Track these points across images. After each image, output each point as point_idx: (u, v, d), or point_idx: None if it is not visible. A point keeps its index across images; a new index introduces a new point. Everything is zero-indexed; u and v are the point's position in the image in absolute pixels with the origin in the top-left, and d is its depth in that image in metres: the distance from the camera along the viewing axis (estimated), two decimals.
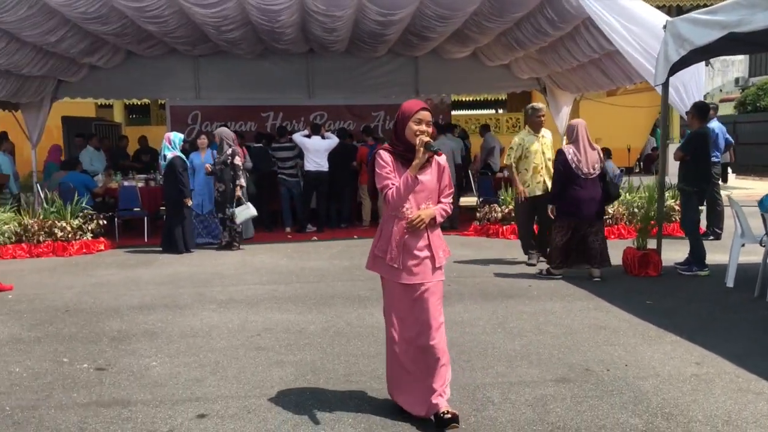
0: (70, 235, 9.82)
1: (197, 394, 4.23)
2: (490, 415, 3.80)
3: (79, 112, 17.82)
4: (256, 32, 11.72)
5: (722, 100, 33.96)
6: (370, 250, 3.82)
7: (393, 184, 3.61)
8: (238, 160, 9.88)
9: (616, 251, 8.08)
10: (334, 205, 12.44)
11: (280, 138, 12.24)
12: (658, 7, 10.17)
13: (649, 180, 11.62)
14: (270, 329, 5.66)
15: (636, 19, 8.29)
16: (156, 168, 12.64)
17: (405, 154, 3.64)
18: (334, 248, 9.96)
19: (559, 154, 7.36)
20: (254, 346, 5.21)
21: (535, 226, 8.55)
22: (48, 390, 4.35)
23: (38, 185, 12.28)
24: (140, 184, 11.65)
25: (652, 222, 7.93)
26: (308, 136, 11.59)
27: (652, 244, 7.79)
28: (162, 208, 10.96)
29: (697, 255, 7.61)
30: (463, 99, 26.08)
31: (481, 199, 12.43)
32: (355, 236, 11.04)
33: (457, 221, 11.79)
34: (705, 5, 12.80)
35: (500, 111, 28.70)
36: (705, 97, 8.84)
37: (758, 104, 27.24)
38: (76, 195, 10.30)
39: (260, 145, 12.17)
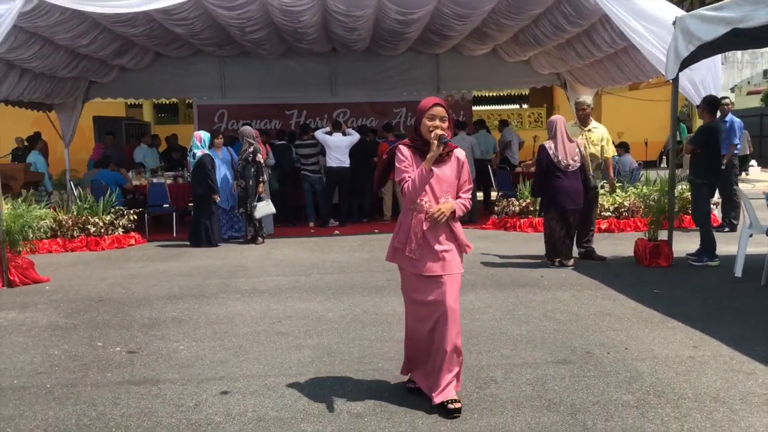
0: (102, 230, 10.24)
1: (221, 373, 4.55)
2: (492, 392, 4.07)
3: (109, 111, 18.37)
4: (279, 32, 12.06)
5: (749, 93, 33.66)
6: (390, 242, 4.03)
7: (409, 177, 3.80)
8: (259, 157, 10.21)
9: (630, 243, 8.29)
10: (355, 200, 12.73)
11: (302, 135, 12.57)
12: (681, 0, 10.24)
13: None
14: (290, 316, 5.98)
15: (651, 14, 8.43)
16: (184, 165, 13.06)
17: (423, 148, 3.82)
18: (354, 242, 10.27)
19: (541, 150, 7.79)
20: (275, 331, 5.53)
21: None
22: (84, 370, 4.70)
23: (71, 183, 12.76)
24: (169, 181, 12.05)
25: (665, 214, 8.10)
26: (330, 133, 11.90)
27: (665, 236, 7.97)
28: (190, 204, 11.34)
29: (707, 246, 7.78)
30: (487, 95, 26.21)
31: (500, 193, 12.65)
32: (376, 230, 11.33)
33: (476, 215, 12.04)
34: None
35: (524, 106, 28.78)
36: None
37: None
38: (108, 192, 10.73)
39: (283, 142, 12.50)
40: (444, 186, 3.84)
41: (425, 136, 3.80)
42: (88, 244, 10.16)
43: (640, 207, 10.68)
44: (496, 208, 11.61)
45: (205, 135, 10.36)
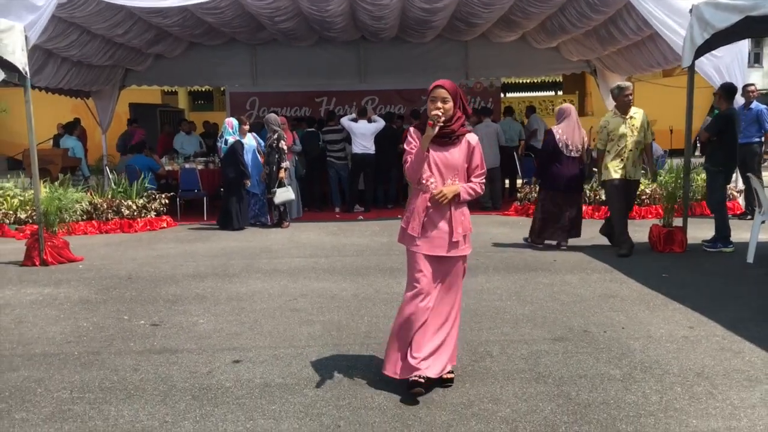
0: (135, 213, 10.66)
1: (235, 344, 4.85)
2: (486, 365, 4.29)
3: (145, 99, 18.88)
4: (308, 22, 12.32)
5: None
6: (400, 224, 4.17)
7: (410, 158, 3.93)
8: (283, 144, 10.50)
9: (647, 229, 8.39)
10: (381, 186, 12.96)
11: (328, 122, 12.81)
12: None
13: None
14: (306, 295, 6.26)
15: (672, 2, 8.44)
16: (216, 151, 13.41)
17: None
18: (377, 227, 10.52)
19: (548, 134, 8.09)
20: (290, 308, 5.81)
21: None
22: (109, 340, 5.04)
23: (107, 167, 13.25)
24: (200, 167, 12.43)
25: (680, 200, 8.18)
26: (355, 120, 12.11)
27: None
28: (221, 189, 11.70)
29: (722, 232, 7.84)
30: (521, 81, 26.17)
31: (525, 180, 12.76)
32: (400, 216, 11.46)
33: (500, 201, 12.19)
34: None
35: (559, 93, 28.61)
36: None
37: None
38: (141, 177, 11.15)
39: (312, 129, 12.76)
40: (451, 169, 3.89)
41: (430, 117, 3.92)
42: (121, 227, 10.58)
43: (662, 195, 10.74)
44: (518, 194, 11.75)
45: (236, 121, 10.70)
